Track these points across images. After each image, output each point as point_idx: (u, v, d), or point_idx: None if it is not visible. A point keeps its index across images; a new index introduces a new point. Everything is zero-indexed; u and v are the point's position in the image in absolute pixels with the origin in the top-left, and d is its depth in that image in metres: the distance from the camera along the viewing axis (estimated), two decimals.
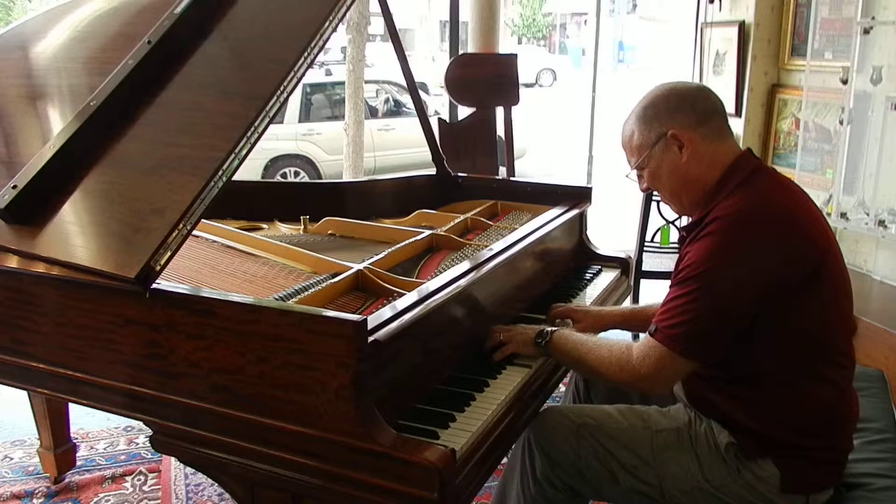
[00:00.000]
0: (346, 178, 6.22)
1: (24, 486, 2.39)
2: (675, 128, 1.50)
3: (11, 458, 2.57)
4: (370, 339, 1.26)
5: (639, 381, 1.48)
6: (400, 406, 1.39)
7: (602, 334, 1.71)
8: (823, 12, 3.45)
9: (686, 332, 1.40)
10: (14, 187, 1.48)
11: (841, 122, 3.16)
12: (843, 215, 3.12)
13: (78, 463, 2.48)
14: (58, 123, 1.66)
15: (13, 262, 1.50)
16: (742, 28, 3.79)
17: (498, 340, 1.66)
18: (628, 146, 1.59)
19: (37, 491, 2.36)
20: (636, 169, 1.58)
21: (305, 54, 1.47)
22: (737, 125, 3.82)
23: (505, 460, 1.64)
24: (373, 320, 1.32)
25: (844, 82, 3.11)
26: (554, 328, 1.65)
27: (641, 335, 1.52)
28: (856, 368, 1.51)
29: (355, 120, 6.41)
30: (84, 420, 2.66)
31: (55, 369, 1.51)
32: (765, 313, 1.38)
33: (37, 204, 1.48)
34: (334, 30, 1.55)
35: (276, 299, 1.56)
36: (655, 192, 1.64)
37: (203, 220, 1.54)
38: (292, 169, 7.55)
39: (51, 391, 1.59)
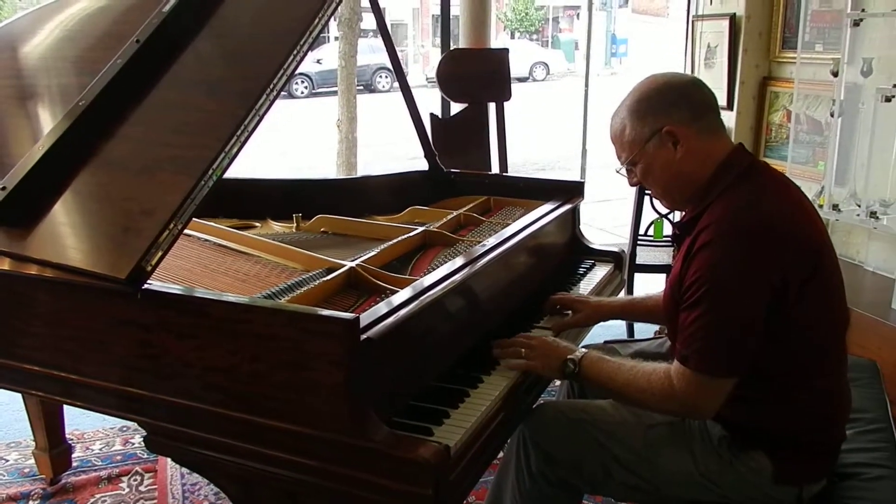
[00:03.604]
0: (338, 175, 6.21)
1: (20, 487, 2.38)
2: (671, 124, 1.45)
3: (7, 460, 2.56)
4: (363, 337, 1.26)
5: (686, 411, 1.45)
6: (394, 403, 1.38)
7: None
8: (814, 4, 3.45)
9: (716, 352, 1.37)
10: (3, 189, 1.48)
11: (832, 115, 3.16)
12: (835, 207, 3.13)
13: (74, 464, 2.47)
14: (47, 124, 1.65)
15: (5, 265, 1.49)
16: (733, 21, 3.79)
17: (519, 353, 1.57)
18: (619, 141, 1.53)
19: (33, 493, 2.36)
20: (627, 164, 1.55)
21: (295, 52, 1.47)
22: (729, 118, 3.82)
23: (501, 455, 1.64)
24: (365, 318, 1.32)
25: (835, 74, 3.11)
26: (583, 352, 1.55)
27: (654, 365, 1.47)
28: (848, 359, 1.52)
29: (348, 116, 6.40)
30: (79, 421, 2.65)
31: (49, 371, 1.51)
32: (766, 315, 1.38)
33: (27, 205, 1.48)
34: (325, 26, 1.54)
35: (267, 297, 1.55)
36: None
37: (195, 219, 1.53)
38: None
39: (45, 393, 1.59)
